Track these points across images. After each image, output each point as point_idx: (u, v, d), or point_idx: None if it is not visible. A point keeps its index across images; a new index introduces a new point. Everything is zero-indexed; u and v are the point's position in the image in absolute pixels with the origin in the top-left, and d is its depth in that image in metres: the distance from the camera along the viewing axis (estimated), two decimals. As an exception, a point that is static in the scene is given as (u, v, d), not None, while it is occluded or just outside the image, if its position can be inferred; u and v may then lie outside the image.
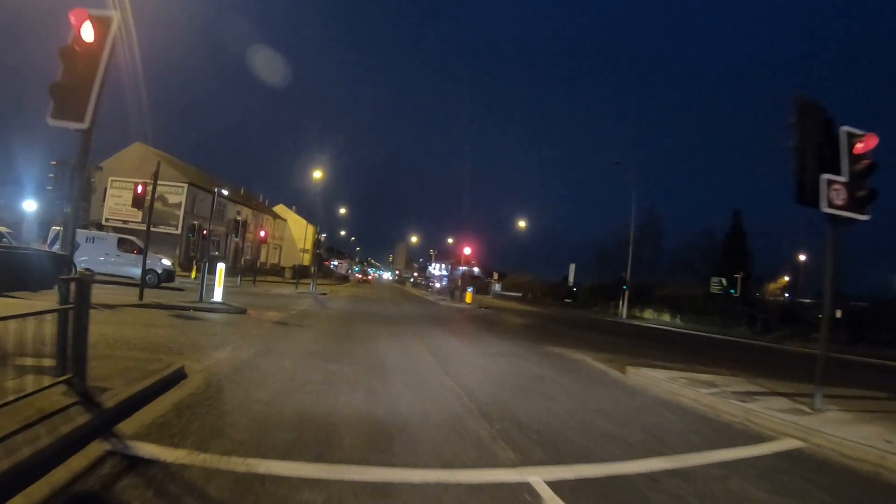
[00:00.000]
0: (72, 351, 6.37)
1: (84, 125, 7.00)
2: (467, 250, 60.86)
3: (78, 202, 7.22)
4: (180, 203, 56.42)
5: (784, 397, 10.90)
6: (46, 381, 6.04)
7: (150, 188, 20.02)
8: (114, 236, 30.35)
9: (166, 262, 30.43)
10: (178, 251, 52.30)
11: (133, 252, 28.74)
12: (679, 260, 71.96)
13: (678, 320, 55.64)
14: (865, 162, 9.99)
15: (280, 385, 8.44)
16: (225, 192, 34.86)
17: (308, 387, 8.52)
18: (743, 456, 7.11)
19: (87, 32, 7.12)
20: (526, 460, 6.02)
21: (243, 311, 18.81)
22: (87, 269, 6.89)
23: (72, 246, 7.41)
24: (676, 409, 9.81)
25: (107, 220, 51.64)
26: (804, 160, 9.87)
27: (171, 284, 29.44)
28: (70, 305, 6.46)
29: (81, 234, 29.48)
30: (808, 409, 9.69)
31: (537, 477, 5.44)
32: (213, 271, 20.17)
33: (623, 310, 58.76)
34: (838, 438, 7.90)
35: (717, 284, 51.86)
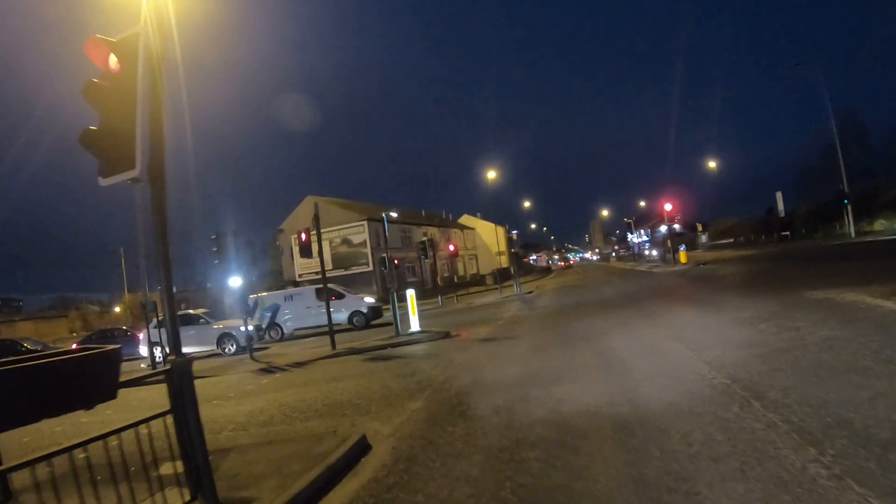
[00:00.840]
0: (185, 464, 4.79)
1: (135, 172, 5.02)
2: (668, 206, 56.36)
3: (166, 263, 5.19)
4: (365, 241, 57.08)
5: None
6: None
7: (313, 234, 18.65)
8: (311, 288, 30.86)
9: (369, 299, 30.49)
10: (375, 287, 52.30)
11: (332, 298, 28.49)
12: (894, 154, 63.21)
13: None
14: None
15: (494, 443, 6.07)
16: (394, 214, 34.20)
17: (533, 433, 6.15)
18: None
19: (111, 60, 5.21)
20: None
21: (446, 335, 17.08)
22: (185, 355, 5.03)
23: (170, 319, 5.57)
24: None
25: (300, 276, 52.87)
26: None
27: (380, 321, 29.21)
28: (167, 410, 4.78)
29: (279, 293, 31.58)
30: None
31: None
32: (403, 299, 18.70)
33: (850, 228, 52.21)
34: None
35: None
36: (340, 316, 27.86)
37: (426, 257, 40.03)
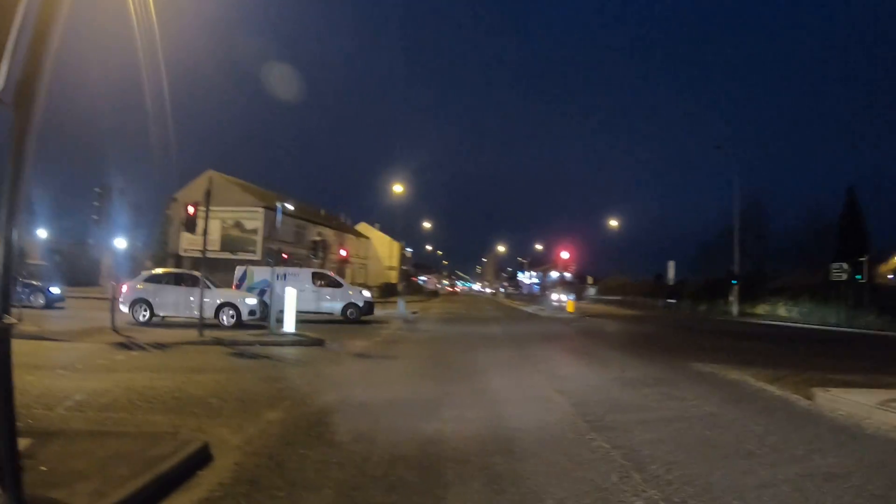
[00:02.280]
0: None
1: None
2: (565, 254, 57.42)
3: (14, 204, 4.32)
4: (257, 228, 55.04)
5: None
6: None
7: (201, 209, 17.55)
8: (308, 271, 29.16)
9: (367, 293, 29.27)
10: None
11: (329, 286, 27.74)
12: (789, 247, 67.53)
13: (795, 314, 51.29)
14: None
15: (349, 478, 5.41)
16: (290, 207, 32.84)
17: (394, 473, 5.54)
18: None
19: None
20: None
21: (320, 343, 16.20)
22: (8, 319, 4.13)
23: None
24: None
25: (185, 251, 50.60)
26: None
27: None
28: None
29: (270, 270, 28.85)
30: None
31: None
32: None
33: (734, 307, 54.50)
34: None
35: (838, 270, 47.07)
36: (334, 306, 26.75)
37: (316, 257, 39.14)
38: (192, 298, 20.14)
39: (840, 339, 26.89)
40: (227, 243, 53.33)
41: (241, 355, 13.30)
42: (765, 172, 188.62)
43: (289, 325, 16.94)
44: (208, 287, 20.60)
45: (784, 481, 5.74)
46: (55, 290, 26.60)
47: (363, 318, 27.15)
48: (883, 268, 63.83)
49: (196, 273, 21.62)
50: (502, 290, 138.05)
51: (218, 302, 20.84)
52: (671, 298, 69.64)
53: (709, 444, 7.19)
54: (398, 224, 74.28)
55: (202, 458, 5.62)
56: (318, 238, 42.60)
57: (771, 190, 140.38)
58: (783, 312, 52.68)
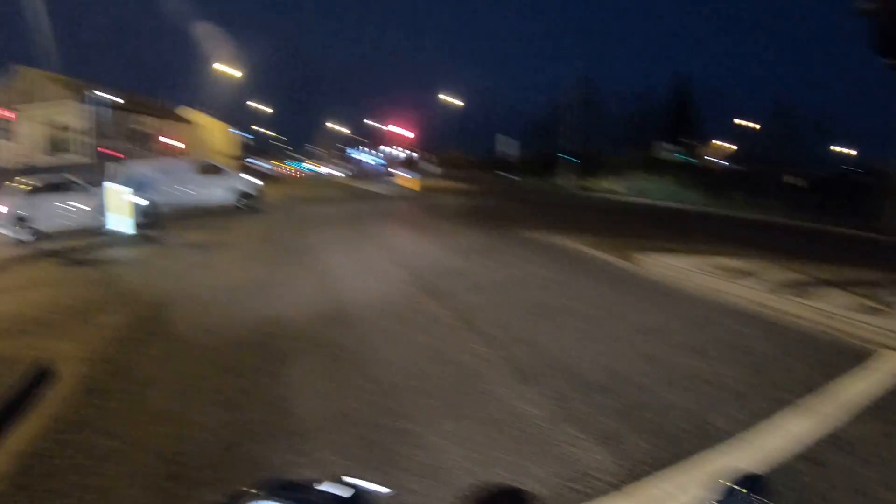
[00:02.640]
0: None
1: None
2: (401, 130, 57.33)
3: None
4: (81, 126, 49.39)
5: (837, 288, 9.06)
6: None
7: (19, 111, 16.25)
8: (192, 161, 27.52)
9: (257, 180, 27.48)
10: (84, 176, 47.35)
11: (215, 175, 26.10)
12: (622, 126, 70.61)
13: (626, 189, 54.07)
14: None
15: (195, 370, 5.57)
16: (114, 98, 30.25)
17: (237, 358, 5.77)
18: (867, 389, 5.14)
19: None
20: (628, 471, 3.66)
21: (157, 239, 15.68)
22: None
23: None
24: (736, 315, 7.70)
25: (7, 161, 46.47)
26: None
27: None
28: None
29: (153, 166, 26.43)
30: (881, 307, 7.86)
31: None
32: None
33: (566, 180, 56.67)
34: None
35: (664, 149, 50.21)
36: (220, 195, 25.30)
37: (141, 150, 37.20)
38: (76, 207, 18.32)
39: (663, 213, 28.50)
40: (56, 145, 48.84)
41: (75, 263, 12.66)
42: (602, 58, 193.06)
43: (122, 225, 16.25)
44: (94, 193, 18.85)
45: (608, 337, 6.40)
46: None
47: (252, 205, 26.03)
48: (707, 150, 68.09)
49: (76, 179, 19.75)
50: (344, 170, 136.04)
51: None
52: (505, 172, 71.52)
53: (536, 304, 7.78)
54: (231, 108, 71.02)
55: (46, 377, 5.49)
56: (140, 129, 40.10)
57: (606, 74, 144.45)
58: (612, 186, 55.42)
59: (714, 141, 68.29)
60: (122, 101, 55.80)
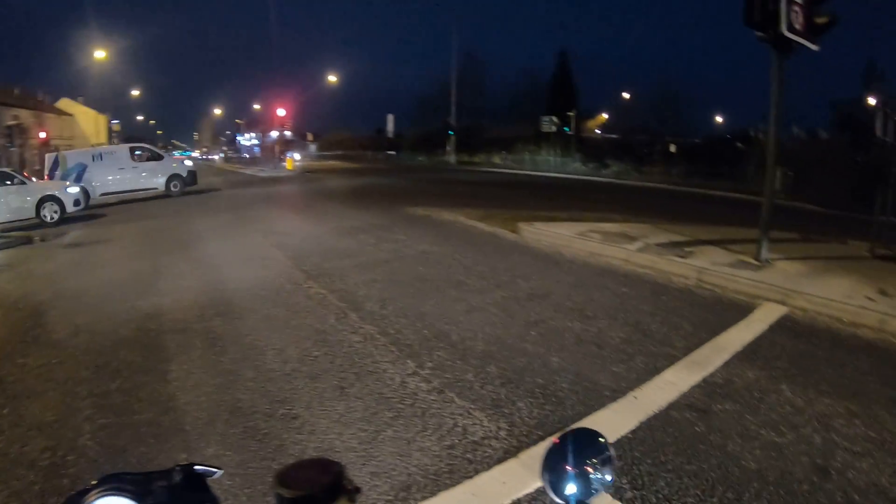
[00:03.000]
0: None
1: None
2: (281, 112, 56.29)
3: None
4: None
5: (714, 246, 9.74)
6: None
7: None
8: (125, 147, 26.40)
9: (188, 162, 26.69)
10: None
11: (148, 160, 25.13)
12: (505, 102, 71.99)
13: (509, 162, 54.99)
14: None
15: (72, 374, 5.31)
16: None
17: (117, 358, 5.44)
18: (747, 339, 5.61)
19: None
20: (520, 438, 3.76)
21: (28, 241, 14.36)
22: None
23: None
24: (619, 278, 8.08)
25: None
26: None
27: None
28: None
29: (85, 152, 25.65)
30: (754, 261, 8.52)
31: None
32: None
33: (452, 156, 57.11)
34: (821, 299, 6.80)
35: (547, 123, 51.24)
36: (157, 181, 24.46)
37: (12, 145, 35.32)
38: (6, 198, 17.36)
39: (548, 184, 29.05)
40: None
41: None
42: (483, 34, 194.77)
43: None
44: (23, 182, 18.14)
45: (491, 304, 6.53)
46: None
47: (187, 189, 25.40)
48: (590, 123, 70.00)
49: (6, 169, 18.98)
50: (220, 154, 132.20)
51: (38, 197, 17.83)
52: (392, 150, 71.41)
53: (421, 279, 7.84)
54: (106, 96, 67.96)
55: None
56: (13, 122, 38.13)
57: (489, 51, 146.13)
58: (498, 161, 56.34)
59: (597, 114, 70.51)
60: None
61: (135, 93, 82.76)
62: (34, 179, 20.64)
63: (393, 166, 50.21)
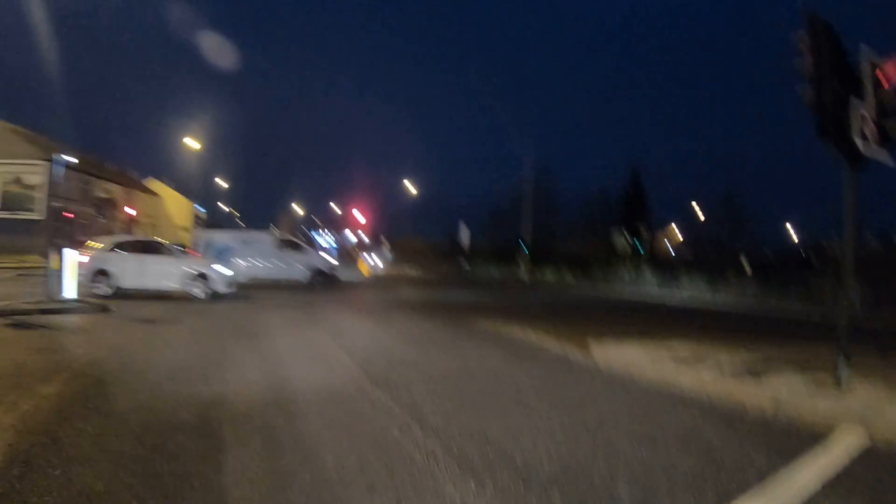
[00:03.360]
0: None
1: None
2: (358, 215, 57.67)
3: None
4: (40, 184, 48.63)
5: (790, 369, 9.41)
6: None
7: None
8: (271, 236, 28.14)
9: (333, 260, 28.08)
10: (41, 240, 46.65)
11: (293, 251, 26.65)
12: (577, 218, 72.34)
13: (580, 280, 54.81)
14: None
15: (127, 449, 5.21)
16: (73, 160, 29.51)
17: (174, 440, 5.39)
18: (826, 472, 5.18)
19: None
20: None
21: (104, 309, 15.08)
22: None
23: None
24: (691, 404, 7.77)
25: None
26: (822, 89, 8.10)
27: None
28: None
29: (233, 234, 27.88)
30: (833, 387, 8.11)
31: None
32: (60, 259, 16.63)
33: (523, 270, 57.12)
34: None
35: (619, 239, 51.32)
36: (299, 272, 25.69)
37: (102, 216, 36.88)
38: (159, 269, 18.83)
39: (620, 304, 28.49)
40: (7, 201, 47.63)
41: (15, 326, 12.00)
42: (557, 149, 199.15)
43: (69, 291, 15.84)
44: (176, 255, 19.50)
45: (558, 427, 6.27)
46: None
47: (327, 285, 26.38)
48: (662, 237, 69.92)
49: (162, 241, 20.57)
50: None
51: (190, 272, 19.15)
52: (463, 260, 71.77)
53: (488, 396, 7.63)
54: (191, 181, 70.73)
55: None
56: (104, 195, 39.77)
57: (561, 165, 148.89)
58: (569, 277, 56.18)
59: (669, 228, 70.24)
60: (89, 165, 55.45)
61: (223, 184, 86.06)
62: (186, 252, 22.31)
63: (463, 277, 50.63)
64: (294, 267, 26.01)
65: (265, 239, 27.26)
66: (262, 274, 25.65)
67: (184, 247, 23.46)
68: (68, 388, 7.18)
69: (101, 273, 18.67)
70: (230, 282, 19.91)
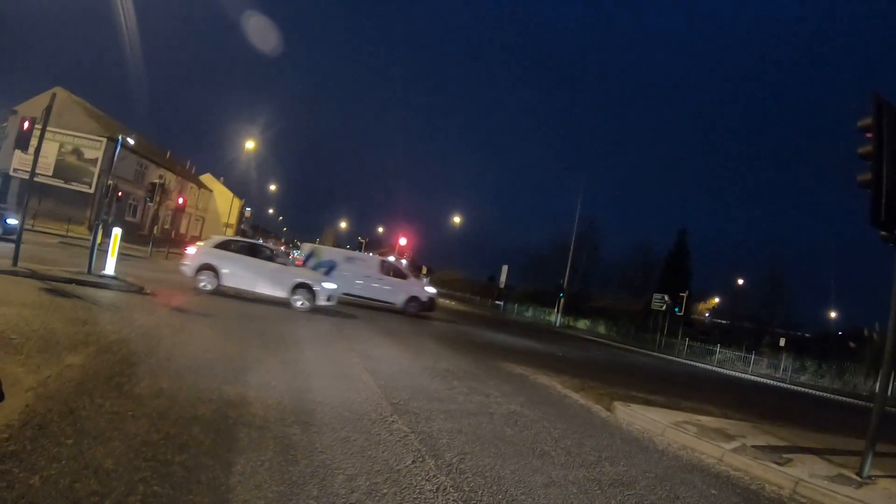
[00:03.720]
0: None
1: None
2: (403, 241, 58.01)
3: None
4: (97, 159, 50.25)
5: (815, 455, 9.42)
6: None
7: (38, 125, 16.21)
8: (376, 258, 28.96)
9: (430, 289, 28.35)
10: (89, 213, 47.57)
11: (394, 276, 27.10)
12: (616, 273, 72.50)
13: (613, 333, 54.47)
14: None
15: (142, 431, 5.19)
16: (131, 141, 29.87)
17: (188, 432, 5.36)
18: None
19: None
20: None
21: (140, 290, 15.23)
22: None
23: None
24: (709, 477, 7.69)
25: (14, 170, 46.66)
26: (882, 174, 8.05)
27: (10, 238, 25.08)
28: None
29: (340, 253, 28.36)
30: (856, 477, 8.16)
31: None
32: (107, 235, 16.84)
33: (558, 318, 56.96)
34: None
35: (659, 301, 50.76)
36: (396, 297, 26.21)
37: (151, 200, 37.35)
38: (267, 273, 19.09)
39: (651, 364, 28.38)
40: (62, 170, 49.00)
41: (53, 292, 12.24)
42: (602, 206, 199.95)
43: (109, 268, 16.02)
44: (284, 264, 19.80)
45: (572, 483, 6.12)
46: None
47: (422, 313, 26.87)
48: (701, 305, 69.45)
49: (272, 247, 21.37)
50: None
51: (294, 282, 19.24)
52: (499, 301, 71.77)
53: (506, 440, 7.47)
54: (243, 181, 71.87)
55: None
56: (158, 181, 40.29)
57: (606, 222, 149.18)
58: (602, 330, 55.91)
59: (709, 297, 69.69)
60: (147, 150, 56.61)
61: (272, 188, 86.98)
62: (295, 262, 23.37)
63: (498, 317, 50.40)
64: (393, 291, 26.34)
65: (370, 260, 27.92)
66: (360, 293, 25.97)
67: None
68: (94, 361, 7.22)
69: (208, 268, 18.74)
70: (332, 296, 19.87)
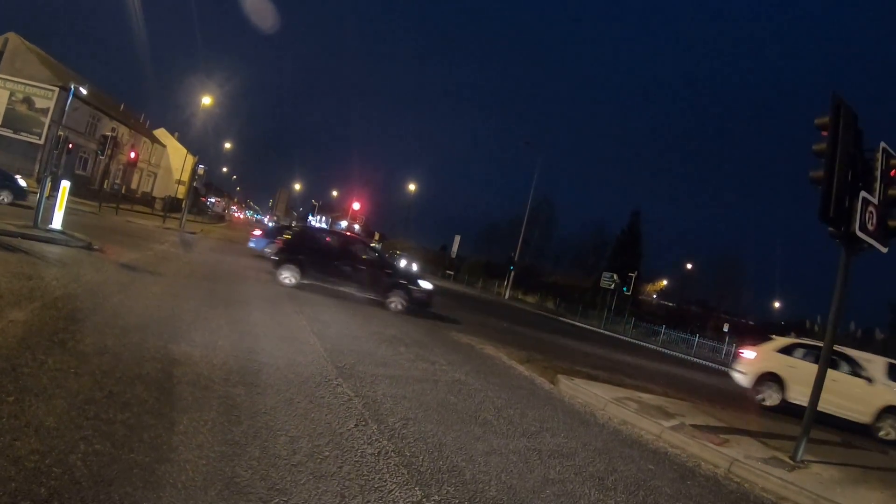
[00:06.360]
0: None
1: None
2: (356, 205, 57.88)
3: None
4: (48, 109, 47.86)
5: (751, 437, 9.90)
6: None
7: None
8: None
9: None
10: (37, 165, 46.27)
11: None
12: (570, 250, 73.15)
13: (561, 309, 55.15)
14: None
15: (84, 389, 5.15)
16: (84, 91, 28.75)
17: (131, 390, 5.34)
18: None
19: None
20: None
21: (87, 246, 14.85)
22: None
23: None
24: (647, 453, 7.98)
25: None
26: (834, 171, 8.34)
27: (24, 202, 25.12)
28: None
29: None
30: (789, 461, 8.56)
31: None
32: (55, 189, 16.44)
33: (507, 291, 57.40)
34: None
35: (608, 279, 51.59)
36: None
37: (102, 154, 36.54)
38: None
39: (596, 339, 29.02)
40: (11, 120, 46.97)
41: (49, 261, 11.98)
42: (558, 183, 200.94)
43: (57, 222, 15.69)
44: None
45: (513, 452, 6.30)
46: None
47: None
48: (649, 287, 70.49)
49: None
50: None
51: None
52: (450, 271, 71.94)
53: (449, 407, 7.62)
54: (198, 138, 70.35)
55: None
56: (110, 133, 39.38)
57: (562, 197, 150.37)
58: (551, 305, 56.56)
59: (658, 279, 70.96)
60: (100, 101, 55.08)
61: (227, 146, 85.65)
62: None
63: (444, 286, 50.47)
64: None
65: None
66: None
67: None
68: (37, 317, 7.08)
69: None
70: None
